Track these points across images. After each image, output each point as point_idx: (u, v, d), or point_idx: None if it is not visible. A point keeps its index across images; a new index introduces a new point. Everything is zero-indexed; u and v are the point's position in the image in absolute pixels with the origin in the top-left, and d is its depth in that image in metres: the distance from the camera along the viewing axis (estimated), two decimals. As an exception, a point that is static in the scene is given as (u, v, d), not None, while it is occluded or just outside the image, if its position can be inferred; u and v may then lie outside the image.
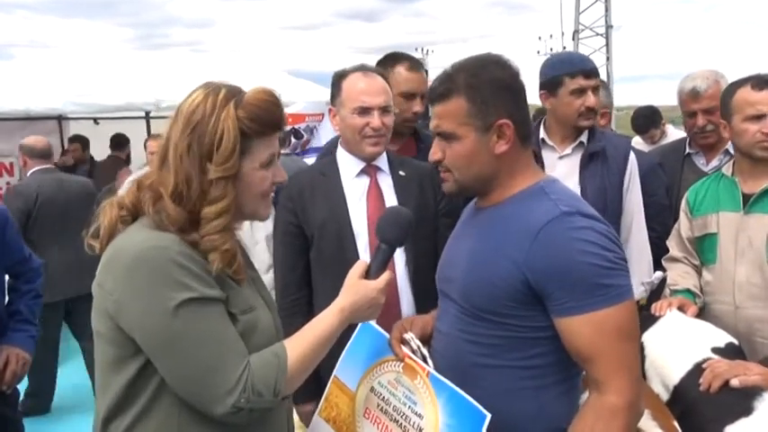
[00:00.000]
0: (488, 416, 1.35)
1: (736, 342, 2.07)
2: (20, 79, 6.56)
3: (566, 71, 2.47)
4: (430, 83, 2.58)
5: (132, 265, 1.24)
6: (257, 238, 2.33)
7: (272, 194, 1.46)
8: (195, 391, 1.25)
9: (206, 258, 1.29)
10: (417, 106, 2.51)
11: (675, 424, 1.78)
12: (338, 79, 2.14)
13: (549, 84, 2.51)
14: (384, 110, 2.09)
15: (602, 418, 1.33)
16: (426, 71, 2.59)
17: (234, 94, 1.32)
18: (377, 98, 2.08)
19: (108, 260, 1.29)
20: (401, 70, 2.53)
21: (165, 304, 1.22)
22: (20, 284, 2.53)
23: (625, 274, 1.38)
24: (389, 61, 2.57)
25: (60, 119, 7.51)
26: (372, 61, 2.61)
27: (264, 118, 1.33)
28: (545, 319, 1.39)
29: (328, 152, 2.59)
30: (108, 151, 7.31)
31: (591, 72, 2.48)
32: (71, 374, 4.97)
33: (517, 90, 1.50)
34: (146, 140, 5.02)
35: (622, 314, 1.34)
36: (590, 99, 2.45)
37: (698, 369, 1.90)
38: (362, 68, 2.15)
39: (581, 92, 2.45)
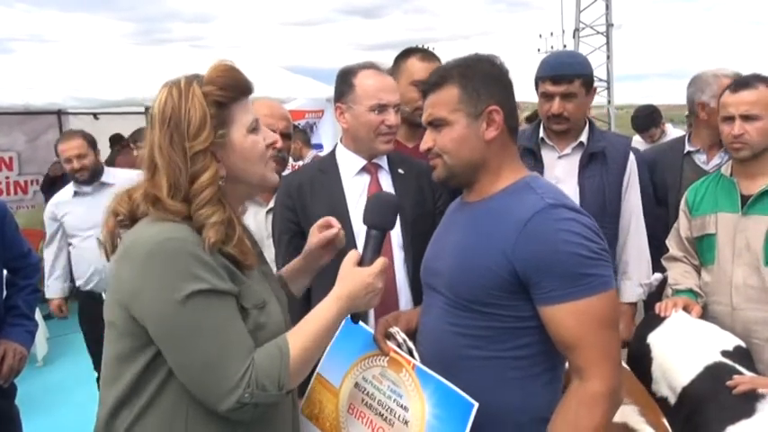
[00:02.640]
0: (476, 404, 1.38)
1: (743, 345, 2.09)
2: (19, 73, 6.54)
3: (539, 74, 2.50)
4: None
5: (148, 256, 1.25)
6: (270, 230, 2.33)
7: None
8: (200, 385, 1.27)
9: (221, 253, 1.31)
10: None
11: (664, 421, 1.80)
12: (347, 76, 2.12)
13: (534, 83, 2.56)
14: (397, 108, 2.10)
15: (584, 403, 1.37)
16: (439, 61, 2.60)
17: (193, 77, 1.37)
18: (393, 96, 2.09)
19: (123, 252, 1.31)
20: (414, 61, 2.54)
21: (174, 294, 1.23)
22: (18, 279, 2.53)
23: (607, 265, 1.42)
24: (403, 56, 2.59)
25: (60, 113, 7.50)
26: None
27: (232, 83, 1.37)
28: (530, 309, 1.43)
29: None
30: (106, 148, 7.31)
31: (559, 78, 2.42)
32: (69, 369, 5.00)
33: (507, 83, 1.57)
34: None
35: (604, 303, 1.39)
36: (553, 106, 2.44)
37: (708, 372, 1.92)
38: (372, 66, 2.14)
39: (548, 97, 2.47)
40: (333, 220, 1.68)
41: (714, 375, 1.90)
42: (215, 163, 1.34)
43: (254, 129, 1.41)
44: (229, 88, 1.36)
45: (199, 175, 1.32)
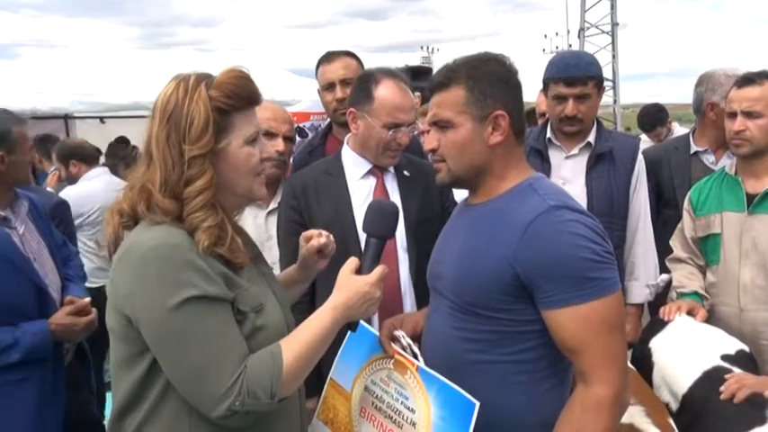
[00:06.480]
0: (477, 404, 1.36)
1: (747, 349, 2.05)
2: (26, 78, 6.59)
3: (551, 75, 2.47)
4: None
5: (142, 261, 1.25)
6: (271, 232, 2.33)
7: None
8: (191, 391, 1.26)
9: (214, 256, 1.30)
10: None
11: (671, 421, 1.77)
12: (368, 83, 2.08)
13: (543, 84, 2.54)
14: (410, 126, 2.09)
15: (588, 409, 1.35)
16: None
17: (204, 77, 1.35)
18: (409, 115, 2.07)
19: (120, 257, 1.31)
20: (326, 65, 2.64)
21: (167, 301, 1.22)
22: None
23: (612, 267, 1.39)
24: (321, 61, 2.67)
25: (66, 118, 7.53)
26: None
27: (239, 92, 1.35)
28: (534, 312, 1.41)
29: (315, 144, 2.63)
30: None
31: (574, 80, 2.41)
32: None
33: (515, 85, 1.53)
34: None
35: (609, 307, 1.36)
36: (567, 108, 2.43)
37: (707, 377, 1.87)
38: (393, 76, 2.09)
39: (561, 99, 2.45)
40: (316, 232, 1.65)
41: (713, 380, 1.85)
42: (211, 168, 1.32)
43: (252, 140, 1.38)
44: (235, 97, 1.34)
45: (194, 180, 1.30)
